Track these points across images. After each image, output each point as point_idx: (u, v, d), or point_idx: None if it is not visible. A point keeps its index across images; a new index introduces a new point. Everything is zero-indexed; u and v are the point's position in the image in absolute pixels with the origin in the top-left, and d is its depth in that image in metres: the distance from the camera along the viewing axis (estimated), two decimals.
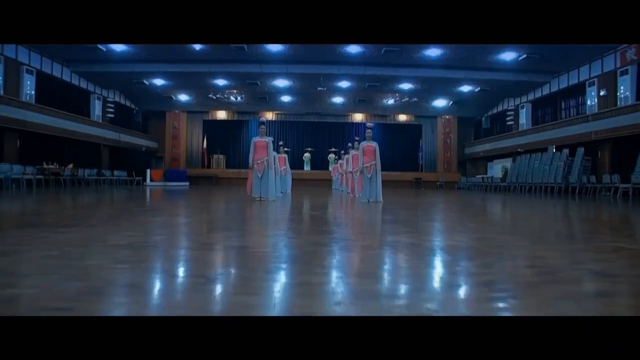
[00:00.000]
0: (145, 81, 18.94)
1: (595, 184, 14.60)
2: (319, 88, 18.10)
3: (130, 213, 5.62)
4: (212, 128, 25.51)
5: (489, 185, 21.98)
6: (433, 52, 15.33)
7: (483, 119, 24.73)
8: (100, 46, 14.72)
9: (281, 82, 19.14)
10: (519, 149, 20.14)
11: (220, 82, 19.15)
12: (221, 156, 25.06)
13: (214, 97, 20.85)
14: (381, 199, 8.69)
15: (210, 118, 25.27)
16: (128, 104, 23.26)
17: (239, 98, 21.55)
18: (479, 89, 19.38)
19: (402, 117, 25.57)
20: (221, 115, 25.19)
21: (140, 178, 21.60)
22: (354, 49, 15.21)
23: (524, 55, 15.24)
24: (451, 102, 22.83)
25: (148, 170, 21.44)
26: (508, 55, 15.46)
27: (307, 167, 25.25)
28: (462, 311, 1.72)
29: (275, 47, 15.25)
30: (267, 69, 17.25)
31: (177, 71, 17.55)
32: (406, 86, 19.41)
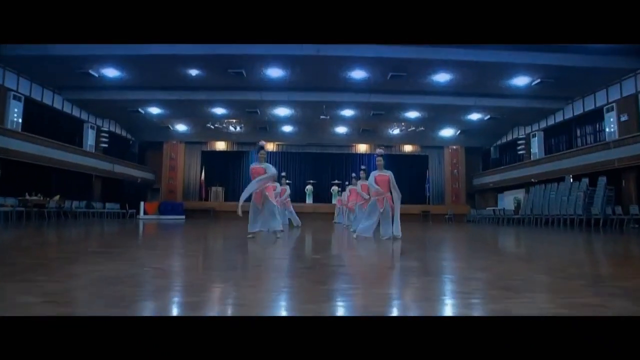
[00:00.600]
0: (140, 110, 18.19)
1: (621, 215, 13.47)
2: (321, 117, 17.33)
3: (75, 255, 4.51)
4: (211, 159, 24.65)
5: (500, 217, 20.81)
6: (442, 77, 14.56)
7: (492, 148, 23.85)
8: (91, 72, 14.01)
9: (282, 111, 18.38)
10: (532, 179, 19.12)
11: (219, 110, 18.39)
12: (220, 188, 24.08)
13: (213, 127, 20.08)
14: (399, 234, 7.21)
15: (209, 149, 24.46)
16: (124, 134, 22.50)
17: (238, 128, 20.77)
18: (488, 117, 18.57)
19: (408, 148, 24.72)
20: (220, 146, 24.39)
21: (134, 211, 20.58)
22: (358, 74, 14.47)
23: (538, 80, 14.45)
24: (459, 132, 22.00)
25: (142, 203, 20.39)
26: (521, 80, 14.68)
27: (309, 200, 24.19)
28: None
29: (275, 73, 14.53)
30: (267, 96, 16.51)
31: (173, 99, 16.82)
32: (413, 114, 18.61)
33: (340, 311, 2.12)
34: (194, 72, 14.20)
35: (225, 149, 24.40)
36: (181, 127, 22.00)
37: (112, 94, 16.35)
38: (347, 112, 18.43)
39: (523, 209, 19.74)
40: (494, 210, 21.74)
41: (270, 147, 24.31)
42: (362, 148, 24.69)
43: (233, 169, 25.17)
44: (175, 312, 2.06)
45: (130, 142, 23.35)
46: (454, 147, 24.60)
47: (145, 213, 20.36)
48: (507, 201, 22.65)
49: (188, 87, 15.97)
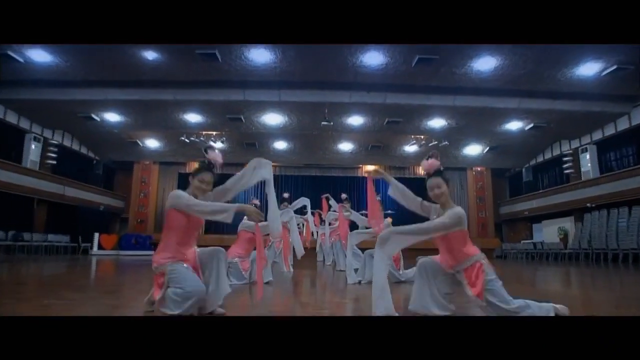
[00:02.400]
0: (94, 116, 14.39)
1: None
2: (322, 123, 13.54)
3: None
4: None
5: (542, 252, 16.77)
6: (485, 63, 10.92)
7: (523, 170, 20.02)
8: (11, 53, 10.30)
9: (272, 118, 14.60)
10: (588, 204, 15.17)
11: (192, 117, 14.61)
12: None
13: (187, 141, 16.25)
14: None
15: (187, 171, 20.52)
16: (84, 150, 18.65)
17: (219, 143, 16.96)
18: (531, 125, 14.81)
19: (423, 170, 20.88)
20: None
21: (89, 245, 16.49)
22: (373, 58, 10.80)
23: (612, 67, 10.78)
24: (487, 149, 18.23)
25: (96, 235, 16.28)
26: (589, 69, 11.02)
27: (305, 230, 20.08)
28: None
29: (261, 57, 10.86)
30: (252, 95, 12.78)
31: (133, 100, 13.06)
32: (437, 123, 14.85)
33: None
34: (150, 55, 10.51)
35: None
36: (152, 143, 18.17)
37: (52, 92, 12.60)
38: (355, 120, 14.66)
39: (574, 241, 15.76)
40: (534, 244, 17.67)
41: None
42: (370, 169, 20.84)
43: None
44: None
45: (94, 161, 19.49)
46: (479, 168, 20.80)
47: (100, 247, 16.23)
48: (548, 232, 18.63)
49: (148, 82, 12.27)
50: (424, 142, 16.56)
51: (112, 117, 14.65)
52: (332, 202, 9.62)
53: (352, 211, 8.02)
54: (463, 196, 20.87)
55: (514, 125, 15.00)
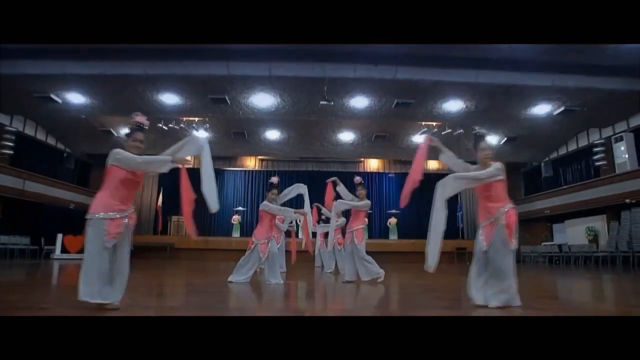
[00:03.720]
0: (53, 96, 12.27)
1: None
2: (321, 102, 11.49)
3: None
4: (172, 180, 18.35)
5: (567, 256, 14.84)
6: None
7: (542, 165, 18.07)
8: None
9: (262, 99, 12.52)
10: (627, 200, 13.19)
11: (169, 98, 12.54)
12: (182, 218, 17.92)
13: (165, 128, 14.16)
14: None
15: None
16: (51, 141, 16.54)
17: (203, 131, 14.89)
18: (561, 109, 12.81)
19: (433, 164, 18.85)
20: None
21: (53, 247, 14.37)
22: None
23: None
24: (504, 140, 16.24)
25: (59, 236, 14.12)
26: None
27: (301, 235, 18.04)
28: None
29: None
30: (237, 68, 10.73)
31: (95, 74, 10.96)
32: (454, 105, 12.84)
33: None
34: None
35: (192, 166, 18.28)
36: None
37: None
38: (359, 102, 12.60)
39: (608, 242, 13.80)
40: (559, 246, 15.68)
41: (251, 164, 18.41)
42: (373, 164, 18.79)
43: (200, 192, 19.10)
44: None
45: (65, 154, 17.37)
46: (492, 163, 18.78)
47: (63, 250, 14.08)
48: (573, 233, 16.64)
49: (113, 52, 10.23)
50: (435, 129, 14.54)
51: (75, 98, 12.53)
52: (340, 188, 7.30)
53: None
54: (475, 193, 18.84)
55: (542, 109, 13.00)
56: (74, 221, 17.38)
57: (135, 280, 5.65)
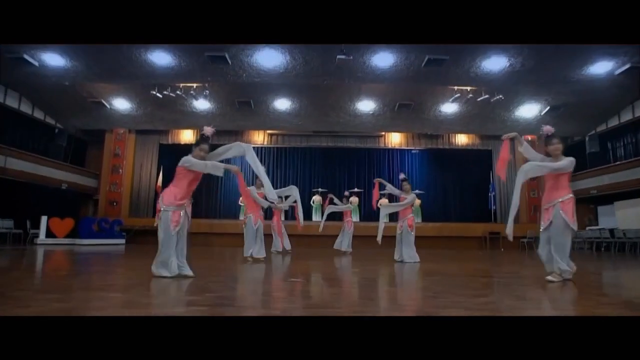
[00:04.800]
0: (28, 57, 10.59)
1: None
2: (338, 57, 9.60)
3: None
4: (173, 157, 16.75)
5: (621, 242, 12.86)
6: None
7: (587, 139, 15.92)
8: None
9: (268, 57, 10.67)
10: None
11: (160, 58, 10.77)
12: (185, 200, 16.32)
13: (160, 95, 12.44)
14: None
15: (169, 141, 16.78)
16: (39, 115, 14.98)
17: (203, 100, 13.14)
18: (627, 66, 10.70)
19: (462, 139, 16.86)
20: (186, 136, 16.72)
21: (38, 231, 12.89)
22: None
23: None
24: (546, 110, 14.15)
25: (43, 219, 12.58)
26: None
27: (316, 217, 16.33)
28: None
29: None
30: None
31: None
32: (497, 63, 10.82)
33: None
34: None
35: (193, 142, 16.61)
36: (121, 104, 14.39)
37: None
38: (383, 59, 10.64)
39: None
40: (611, 230, 13.67)
41: (259, 138, 16.63)
42: (395, 139, 16.83)
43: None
44: None
45: (56, 130, 15.82)
46: (529, 137, 16.69)
47: (49, 235, 12.56)
48: (625, 216, 14.58)
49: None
50: (470, 95, 12.54)
51: (52, 59, 10.84)
52: (390, 187, 7.78)
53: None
54: (509, 171, 16.81)
55: (602, 67, 10.89)
56: (65, 202, 15.98)
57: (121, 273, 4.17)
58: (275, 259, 7.92)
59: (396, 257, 7.37)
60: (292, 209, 11.19)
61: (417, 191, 16.92)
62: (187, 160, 4.20)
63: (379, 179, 8.08)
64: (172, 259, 4.06)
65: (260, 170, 4.66)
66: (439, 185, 17.93)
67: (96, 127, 16.26)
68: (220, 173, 4.28)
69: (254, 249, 7.16)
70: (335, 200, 10.92)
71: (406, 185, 7.49)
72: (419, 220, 16.44)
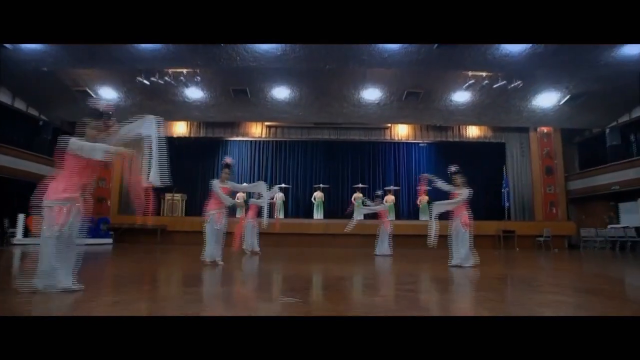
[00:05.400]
0: None
1: None
2: None
3: None
4: (165, 151, 15.83)
5: None
6: None
7: (607, 131, 14.87)
8: None
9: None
10: None
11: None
12: (178, 196, 15.36)
13: (147, 82, 11.45)
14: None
15: (162, 135, 15.73)
16: (20, 106, 14.00)
17: (194, 88, 12.15)
18: None
19: (473, 131, 15.79)
20: (179, 129, 15.70)
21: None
22: None
23: None
24: (566, 98, 13.08)
25: (20, 217, 11.60)
26: None
27: (318, 214, 15.33)
28: None
29: None
30: None
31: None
32: (517, 44, 9.74)
33: None
34: None
35: (187, 135, 15.64)
36: (108, 93, 13.38)
37: None
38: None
39: None
40: (637, 229, 12.63)
41: (256, 131, 15.61)
42: (402, 132, 15.77)
43: (199, 166, 16.52)
44: None
45: (41, 123, 14.87)
46: (545, 129, 15.66)
47: (27, 234, 11.59)
48: None
49: None
50: (486, 81, 11.49)
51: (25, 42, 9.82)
52: (441, 183, 7.16)
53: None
54: (524, 166, 15.79)
55: (635, 48, 9.83)
56: None
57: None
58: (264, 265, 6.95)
59: (452, 261, 6.53)
60: (271, 205, 10.23)
61: (385, 189, 15.91)
62: (74, 142, 3.47)
63: (425, 175, 7.40)
64: (56, 270, 3.30)
65: (154, 150, 3.97)
66: (447, 181, 16.87)
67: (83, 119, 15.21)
68: (101, 157, 3.54)
69: (214, 251, 6.20)
70: (368, 202, 10.29)
71: (458, 179, 6.79)
72: (426, 218, 15.41)
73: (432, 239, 6.35)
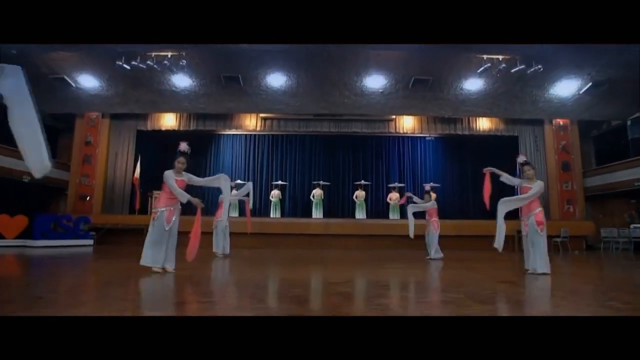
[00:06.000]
0: None
1: None
2: None
3: None
4: (153, 145, 14.75)
5: None
6: None
7: (629, 123, 13.79)
8: None
9: None
10: None
11: None
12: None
13: (127, 67, 10.36)
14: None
15: (149, 127, 14.65)
16: None
17: (182, 75, 11.08)
18: None
19: (484, 124, 14.69)
20: (168, 122, 14.59)
21: None
22: None
23: None
24: (587, 86, 11.99)
25: None
26: None
27: (317, 213, 14.24)
28: None
29: None
30: None
31: None
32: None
33: None
34: None
35: (176, 128, 14.52)
36: (88, 81, 12.30)
37: None
38: None
39: None
40: None
41: (251, 123, 14.52)
42: (407, 124, 14.66)
43: (189, 161, 15.39)
44: None
45: None
46: (561, 122, 14.57)
47: None
48: None
49: None
50: (503, 65, 10.40)
51: None
52: (507, 177, 6.03)
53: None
54: (539, 161, 14.69)
55: None
56: (30, 198, 13.94)
57: None
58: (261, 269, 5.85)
59: (528, 266, 5.56)
60: (242, 203, 9.19)
61: (430, 184, 14.82)
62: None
63: (489, 168, 6.31)
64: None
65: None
66: (455, 177, 15.85)
67: (64, 111, 14.15)
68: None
69: (157, 255, 4.97)
70: (415, 198, 9.31)
71: (529, 171, 5.78)
72: (397, 216, 14.32)
73: (499, 241, 5.43)
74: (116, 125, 14.54)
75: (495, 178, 6.25)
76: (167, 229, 5.02)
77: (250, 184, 9.01)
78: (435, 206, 8.97)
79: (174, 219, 5.09)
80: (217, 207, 9.00)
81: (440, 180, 15.18)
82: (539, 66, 10.18)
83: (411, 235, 8.61)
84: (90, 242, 11.97)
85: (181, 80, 11.83)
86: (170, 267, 5.03)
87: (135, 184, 14.16)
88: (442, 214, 14.28)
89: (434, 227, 8.67)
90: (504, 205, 5.70)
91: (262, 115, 14.27)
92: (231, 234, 8.96)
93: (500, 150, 15.12)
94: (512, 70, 10.29)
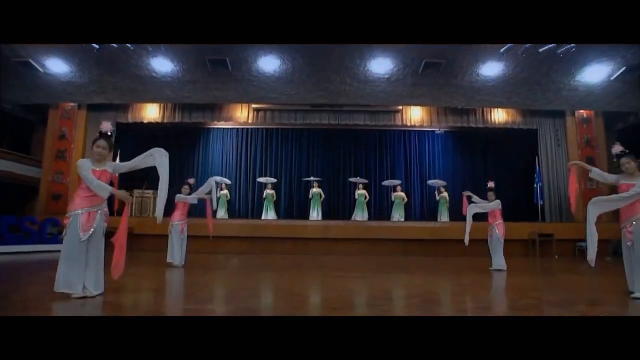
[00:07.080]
0: None
1: None
2: None
3: None
4: (134, 139, 13.39)
5: None
6: None
7: None
8: None
9: None
10: None
11: None
12: (149, 193, 12.89)
13: (96, 46, 9.01)
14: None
15: (129, 120, 13.24)
16: None
17: (162, 59, 9.76)
18: None
19: (499, 116, 13.30)
20: (150, 113, 13.20)
21: None
22: None
23: None
24: (621, 70, 10.63)
25: None
26: None
27: (314, 214, 12.88)
28: None
29: None
30: None
31: None
32: None
33: None
34: None
35: (160, 120, 13.13)
36: (57, 66, 10.94)
37: None
38: None
39: None
40: None
41: (242, 115, 13.15)
42: (415, 116, 13.25)
43: (175, 157, 13.99)
44: None
45: None
46: (584, 113, 13.20)
47: None
48: None
49: None
50: (527, 44, 9.02)
51: None
52: (598, 172, 4.89)
53: None
54: (560, 157, 13.31)
55: None
56: (1, 198, 12.62)
57: None
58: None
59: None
60: (203, 202, 7.83)
61: (439, 181, 13.48)
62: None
63: (576, 162, 5.23)
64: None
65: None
66: (467, 174, 14.53)
67: (37, 101, 12.79)
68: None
69: (72, 275, 3.54)
70: (475, 197, 8.05)
71: (629, 164, 4.45)
72: (446, 218, 12.99)
73: (591, 254, 4.45)
74: (94, 117, 13.13)
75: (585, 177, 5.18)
76: (83, 239, 3.62)
77: (212, 180, 7.88)
78: (500, 207, 7.54)
79: (94, 225, 3.68)
80: (173, 208, 7.59)
81: (450, 178, 13.86)
82: (572, 45, 8.80)
83: (466, 241, 7.10)
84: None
85: (161, 65, 10.47)
86: (94, 289, 3.64)
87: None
88: (452, 215, 13.05)
89: (500, 232, 7.35)
90: (597, 207, 4.52)
91: (253, 105, 12.88)
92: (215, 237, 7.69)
93: (518, 145, 13.86)
94: (541, 50, 8.92)
